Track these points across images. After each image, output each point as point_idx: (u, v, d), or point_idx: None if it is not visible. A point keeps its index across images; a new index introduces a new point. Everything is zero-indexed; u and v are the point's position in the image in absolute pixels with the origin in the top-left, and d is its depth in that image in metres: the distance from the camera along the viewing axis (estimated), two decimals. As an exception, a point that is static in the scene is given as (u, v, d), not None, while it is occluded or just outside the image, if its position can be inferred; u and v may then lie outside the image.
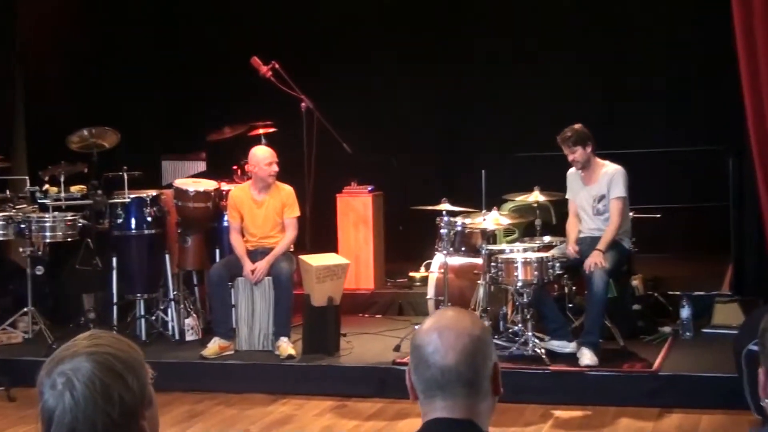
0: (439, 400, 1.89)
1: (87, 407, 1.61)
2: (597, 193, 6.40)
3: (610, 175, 6.36)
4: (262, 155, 6.83)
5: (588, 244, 6.35)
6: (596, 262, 6.10)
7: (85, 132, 7.20)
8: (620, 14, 9.10)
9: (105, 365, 1.64)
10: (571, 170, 6.59)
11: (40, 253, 7.26)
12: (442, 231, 6.70)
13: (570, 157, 6.38)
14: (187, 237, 7.31)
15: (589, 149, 6.36)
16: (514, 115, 9.14)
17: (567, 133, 6.37)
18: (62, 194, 7.15)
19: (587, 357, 6.05)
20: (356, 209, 8.30)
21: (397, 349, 6.57)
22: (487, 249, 6.57)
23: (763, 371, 1.89)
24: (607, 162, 6.47)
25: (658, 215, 7.56)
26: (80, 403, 1.61)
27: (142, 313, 7.27)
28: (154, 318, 7.29)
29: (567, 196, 6.67)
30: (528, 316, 6.28)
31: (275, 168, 6.80)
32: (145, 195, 7.21)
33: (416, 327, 6.94)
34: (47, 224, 7.10)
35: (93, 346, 1.67)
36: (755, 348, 2.04)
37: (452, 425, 1.88)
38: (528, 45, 9.34)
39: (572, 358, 6.17)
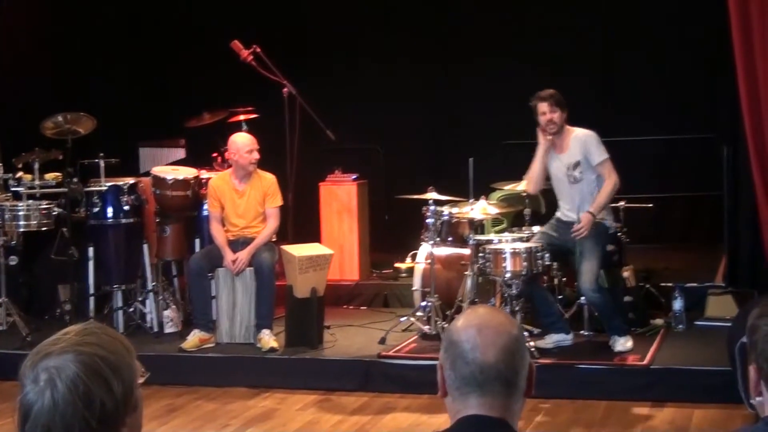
0: (475, 397, 1.87)
1: (66, 410, 1.57)
2: (570, 161, 6.19)
3: (582, 140, 6.16)
4: (242, 142, 6.70)
5: (566, 229, 6.17)
6: (585, 225, 6.01)
7: (60, 118, 7.07)
8: (614, 2, 8.98)
9: (91, 368, 1.59)
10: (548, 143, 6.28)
11: (13, 242, 7.18)
12: (428, 220, 6.67)
13: (548, 116, 6.11)
14: (166, 226, 7.23)
15: (565, 115, 6.17)
16: (503, 102, 9.03)
17: (549, 91, 6.15)
18: (36, 182, 7.08)
19: (619, 343, 6.07)
20: (340, 198, 8.21)
21: (382, 341, 6.53)
22: (474, 239, 6.52)
23: (753, 368, 1.89)
24: (575, 128, 6.24)
25: (650, 205, 7.49)
26: (59, 405, 1.57)
27: (120, 304, 7.17)
28: (132, 310, 7.20)
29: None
30: (517, 308, 6.18)
31: (256, 156, 6.69)
32: (122, 183, 7.10)
33: (402, 320, 6.78)
34: (21, 213, 6.97)
35: (83, 344, 1.62)
36: (748, 341, 2.00)
37: (488, 423, 1.87)
38: (518, 32, 9.26)
39: (562, 351, 6.14)
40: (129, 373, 1.65)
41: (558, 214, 6.36)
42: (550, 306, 6.33)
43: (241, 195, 6.76)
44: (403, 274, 8.12)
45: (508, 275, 6.12)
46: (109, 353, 1.63)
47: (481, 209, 6.64)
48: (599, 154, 6.12)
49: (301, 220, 7.62)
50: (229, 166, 6.95)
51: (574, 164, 6.16)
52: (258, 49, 7.20)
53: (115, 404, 1.60)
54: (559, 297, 6.69)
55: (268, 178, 6.81)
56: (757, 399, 1.88)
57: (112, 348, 1.65)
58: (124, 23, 9.36)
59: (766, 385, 1.87)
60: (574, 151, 6.17)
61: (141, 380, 1.69)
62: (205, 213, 7.15)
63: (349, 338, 6.80)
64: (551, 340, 6.24)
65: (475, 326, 1.90)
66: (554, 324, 6.26)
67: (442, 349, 1.94)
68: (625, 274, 6.87)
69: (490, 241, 6.46)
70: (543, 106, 6.14)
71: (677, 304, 6.70)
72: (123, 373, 1.63)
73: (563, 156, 6.21)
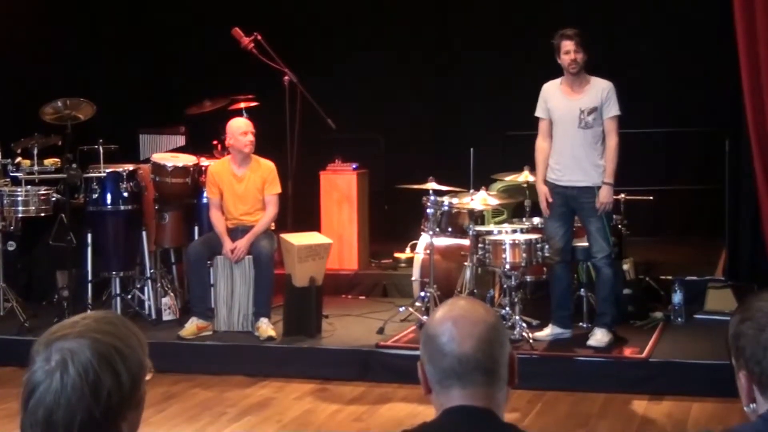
0: (457, 389, 1.84)
1: (72, 395, 1.57)
2: (587, 106, 5.99)
3: (603, 89, 6.00)
4: (236, 126, 6.74)
5: (566, 195, 6.05)
6: (609, 200, 5.94)
7: (60, 103, 7.04)
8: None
9: (105, 358, 1.59)
10: (547, 85, 6.17)
11: (12, 228, 7.13)
12: (428, 211, 6.66)
13: (572, 56, 5.92)
14: (165, 213, 7.19)
15: (587, 57, 5.99)
16: (504, 92, 8.99)
17: (574, 29, 5.96)
18: (35, 167, 7.04)
19: (596, 337, 6.03)
20: (340, 187, 8.18)
21: (380, 331, 6.53)
22: (474, 230, 6.50)
23: (743, 375, 1.86)
24: (594, 76, 6.09)
25: (651, 197, 7.46)
26: (66, 390, 1.57)
27: (118, 291, 7.14)
28: (130, 297, 7.19)
29: (538, 114, 6.16)
30: (516, 300, 6.18)
31: (251, 138, 6.68)
32: (121, 169, 7.07)
33: (400, 310, 6.75)
34: (20, 198, 6.96)
35: (101, 332, 1.62)
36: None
37: (473, 413, 1.83)
38: (519, 22, 9.21)
39: (560, 344, 6.14)
40: (139, 369, 1.64)
41: (552, 177, 6.12)
42: (569, 300, 6.31)
43: (240, 180, 6.73)
44: (403, 264, 8.11)
45: (507, 266, 6.12)
46: (125, 346, 1.63)
47: (481, 200, 6.63)
48: (616, 108, 5.99)
49: (300, 208, 7.59)
50: (229, 153, 6.92)
51: (591, 109, 5.97)
52: (259, 37, 7.17)
53: (120, 398, 1.60)
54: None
55: (268, 165, 6.79)
56: (752, 406, 1.85)
57: (128, 341, 1.64)
58: (126, 9, 9.32)
59: (759, 388, 1.83)
60: (593, 96, 5.99)
61: (148, 377, 1.68)
62: (204, 201, 7.12)
63: (347, 328, 6.79)
64: (550, 332, 6.22)
65: (451, 318, 1.87)
66: (562, 318, 6.23)
67: (421, 344, 1.91)
68: (625, 266, 6.86)
69: (489, 232, 6.47)
70: (568, 44, 5.94)
71: (677, 297, 6.69)
72: (134, 368, 1.62)
73: (581, 99, 6.01)
